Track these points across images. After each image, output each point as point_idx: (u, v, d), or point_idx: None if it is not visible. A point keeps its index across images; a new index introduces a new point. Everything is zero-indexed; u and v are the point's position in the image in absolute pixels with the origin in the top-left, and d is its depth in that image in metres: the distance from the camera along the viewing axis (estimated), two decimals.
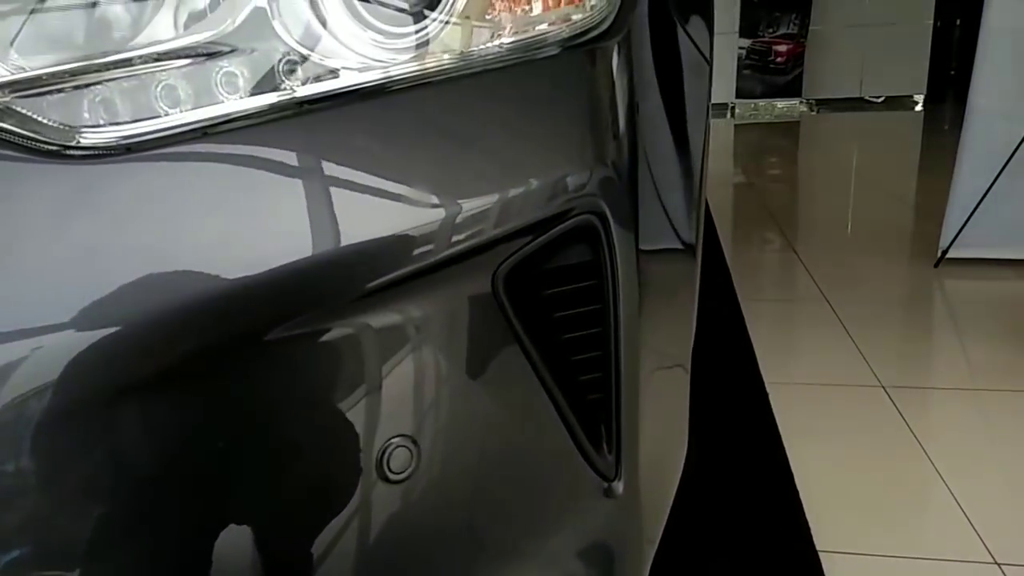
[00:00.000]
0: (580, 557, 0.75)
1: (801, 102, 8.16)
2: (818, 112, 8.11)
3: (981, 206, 2.59)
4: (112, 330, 0.46)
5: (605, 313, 0.66)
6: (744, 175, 4.95)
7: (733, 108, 8.18)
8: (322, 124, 0.53)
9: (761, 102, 8.14)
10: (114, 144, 0.49)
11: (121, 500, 0.51)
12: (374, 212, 0.52)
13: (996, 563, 1.28)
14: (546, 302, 0.63)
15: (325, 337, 0.54)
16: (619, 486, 0.73)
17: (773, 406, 1.82)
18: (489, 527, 0.67)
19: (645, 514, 0.81)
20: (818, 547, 1.32)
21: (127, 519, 0.52)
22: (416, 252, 0.53)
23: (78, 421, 0.48)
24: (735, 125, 7.52)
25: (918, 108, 7.97)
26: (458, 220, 0.54)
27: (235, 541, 0.55)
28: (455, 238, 0.55)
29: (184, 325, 0.49)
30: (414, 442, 0.58)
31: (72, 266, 0.47)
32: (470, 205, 0.55)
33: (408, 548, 0.63)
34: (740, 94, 8.10)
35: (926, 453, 1.60)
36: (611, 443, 0.72)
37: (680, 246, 0.87)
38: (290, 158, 0.51)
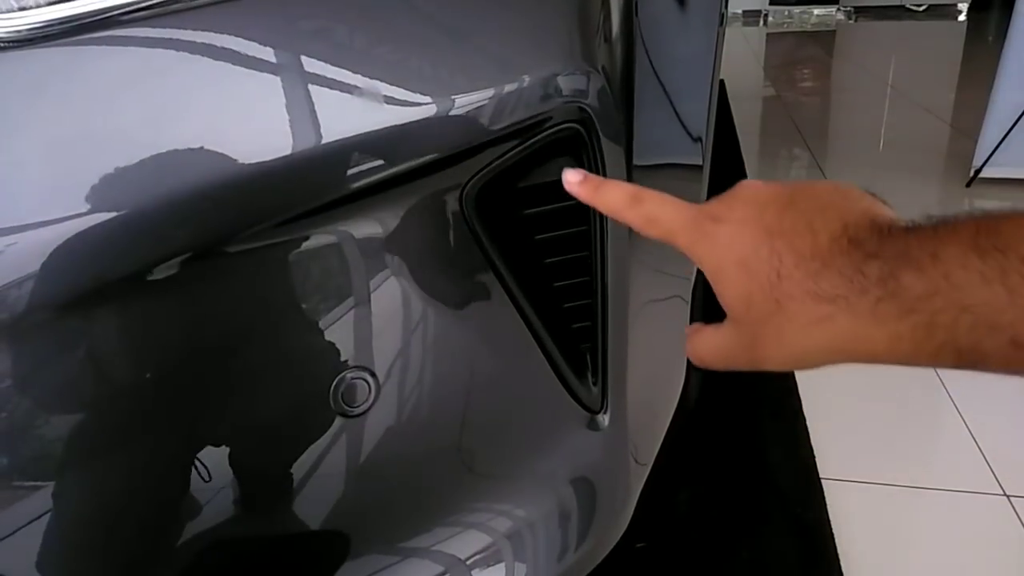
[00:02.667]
0: (565, 486, 0.72)
1: (838, 9, 7.76)
2: (856, 20, 7.71)
3: (1020, 122, 2.44)
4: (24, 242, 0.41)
5: (591, 236, 0.60)
6: (774, 87, 4.73)
7: (766, 16, 7.80)
8: (266, 9, 0.46)
9: (796, 9, 7.75)
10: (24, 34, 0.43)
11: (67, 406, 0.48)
12: (320, 112, 0.46)
13: (1006, 495, 1.25)
14: (524, 222, 0.57)
15: (281, 250, 0.49)
16: (604, 419, 0.69)
17: None
18: (462, 453, 0.64)
19: (634, 443, 0.77)
20: (822, 474, 1.29)
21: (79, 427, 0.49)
22: (371, 160, 0.47)
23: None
24: (767, 34, 7.16)
25: (961, 17, 7.55)
26: (419, 125, 0.48)
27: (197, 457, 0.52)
28: (416, 146, 0.48)
29: (123, 237, 0.44)
30: (371, 373, 0.53)
31: None
32: (431, 109, 0.48)
33: (376, 473, 0.60)
34: (774, 0, 7.71)
35: (942, 382, 1.55)
36: (596, 375, 0.67)
37: (683, 163, 0.80)
38: (222, 48, 0.45)
